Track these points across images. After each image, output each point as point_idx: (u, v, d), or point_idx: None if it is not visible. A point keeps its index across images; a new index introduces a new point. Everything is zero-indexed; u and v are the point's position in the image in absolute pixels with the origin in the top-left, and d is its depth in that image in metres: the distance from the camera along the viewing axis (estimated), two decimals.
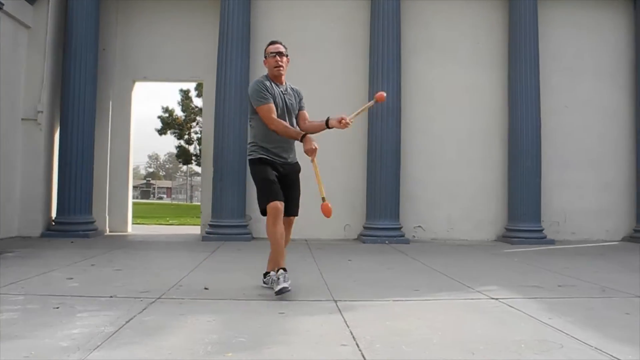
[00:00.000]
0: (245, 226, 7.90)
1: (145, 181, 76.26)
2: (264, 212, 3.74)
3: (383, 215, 7.76)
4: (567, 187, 8.71)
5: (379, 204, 7.80)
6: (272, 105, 3.74)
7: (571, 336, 2.75)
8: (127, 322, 2.91)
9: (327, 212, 3.68)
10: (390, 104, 7.89)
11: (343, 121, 3.64)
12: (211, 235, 7.65)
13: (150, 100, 56.76)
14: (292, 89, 3.99)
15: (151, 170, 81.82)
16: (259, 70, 8.32)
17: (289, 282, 3.59)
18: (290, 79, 8.49)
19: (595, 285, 4.37)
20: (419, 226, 8.34)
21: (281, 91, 3.86)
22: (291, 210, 3.94)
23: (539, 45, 8.30)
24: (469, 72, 8.55)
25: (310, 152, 3.66)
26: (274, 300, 3.56)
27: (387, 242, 7.55)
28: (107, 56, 8.62)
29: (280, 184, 3.79)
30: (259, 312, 3.27)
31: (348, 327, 2.90)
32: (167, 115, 31.10)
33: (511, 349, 2.52)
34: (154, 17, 8.72)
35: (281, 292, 3.52)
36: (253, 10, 8.27)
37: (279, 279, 3.59)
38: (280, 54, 3.82)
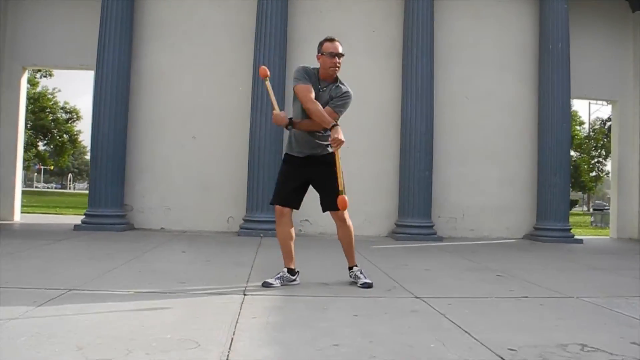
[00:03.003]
0: (121, 216, 7.65)
1: None
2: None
3: (261, 208, 7.50)
4: (466, 182, 8.47)
5: (257, 196, 7.55)
6: (311, 87, 3.65)
7: (224, 336, 2.49)
8: None
9: (342, 205, 3.66)
10: (274, 94, 7.61)
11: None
12: (84, 225, 7.40)
13: None
14: (335, 87, 3.81)
15: None
16: (141, 58, 8.09)
17: (279, 282, 3.77)
18: (176, 66, 8.23)
19: (391, 285, 4.11)
20: (306, 220, 8.09)
21: (320, 87, 3.76)
22: (325, 206, 3.92)
23: (434, 35, 8.05)
24: (364, 60, 8.26)
25: (336, 142, 3.55)
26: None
27: (262, 235, 7.30)
28: None
29: (310, 182, 3.88)
30: None
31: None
32: None
33: (131, 345, 2.29)
34: (44, 3, 8.43)
35: (264, 285, 3.71)
36: None
37: (279, 275, 3.80)
38: (339, 55, 3.73)
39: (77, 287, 3.49)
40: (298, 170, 3.80)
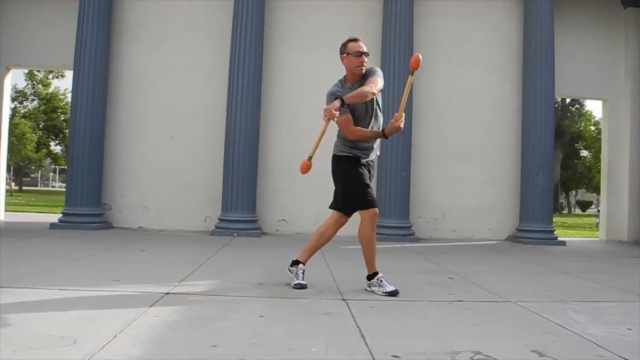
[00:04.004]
0: (98, 215, 7.72)
1: None
2: (350, 212, 3.89)
3: (236, 207, 7.51)
4: (447, 182, 8.33)
5: (232, 196, 7.55)
6: (349, 116, 3.71)
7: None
8: None
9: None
10: (249, 94, 7.62)
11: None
12: (60, 223, 7.50)
13: None
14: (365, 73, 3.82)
15: None
16: (120, 58, 8.13)
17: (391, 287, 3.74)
18: (154, 66, 8.21)
19: (328, 286, 4.06)
20: (283, 220, 8.06)
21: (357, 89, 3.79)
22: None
23: (416, 33, 7.99)
24: None
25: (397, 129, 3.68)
26: None
27: (235, 234, 7.30)
28: None
29: None
30: None
31: None
32: None
33: (7, 343, 2.29)
34: (27, 4, 8.56)
35: (393, 294, 3.70)
36: None
37: (382, 281, 3.79)
38: (365, 54, 3.77)
39: (5, 285, 3.52)
40: (366, 171, 3.84)
